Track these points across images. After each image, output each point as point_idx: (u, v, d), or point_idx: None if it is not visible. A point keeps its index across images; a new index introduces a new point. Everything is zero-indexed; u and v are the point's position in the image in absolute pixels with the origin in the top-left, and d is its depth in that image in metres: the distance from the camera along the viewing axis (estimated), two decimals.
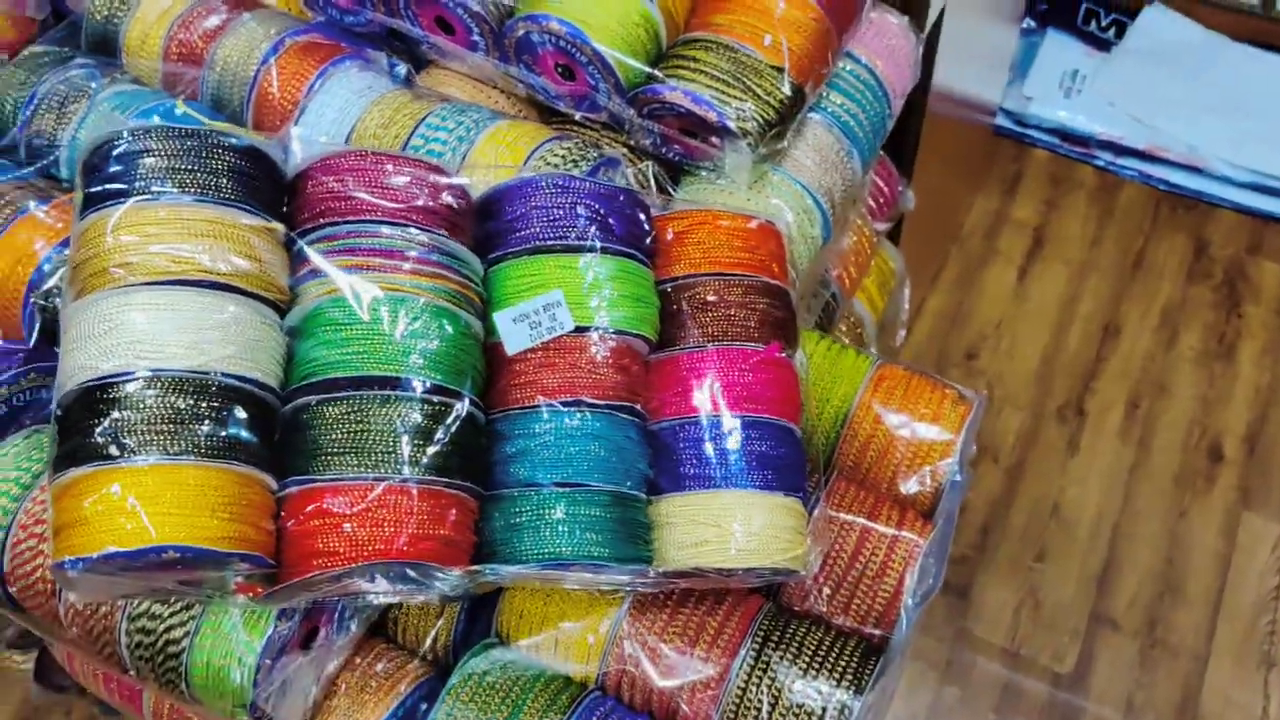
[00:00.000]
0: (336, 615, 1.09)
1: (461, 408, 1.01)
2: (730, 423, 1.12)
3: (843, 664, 1.18)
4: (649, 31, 1.35)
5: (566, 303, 1.09)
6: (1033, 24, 3.15)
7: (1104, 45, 3.18)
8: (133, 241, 0.96)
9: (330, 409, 0.98)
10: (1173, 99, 3.04)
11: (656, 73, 1.33)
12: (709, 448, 1.11)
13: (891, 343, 2.09)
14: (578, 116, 1.42)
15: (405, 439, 0.97)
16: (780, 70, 1.33)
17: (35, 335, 1.21)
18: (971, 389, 1.40)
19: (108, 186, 0.99)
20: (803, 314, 1.57)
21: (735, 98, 1.30)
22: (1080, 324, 2.80)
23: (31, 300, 1.21)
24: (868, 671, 1.18)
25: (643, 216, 1.17)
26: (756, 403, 1.13)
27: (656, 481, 1.12)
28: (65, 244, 1.24)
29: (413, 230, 1.04)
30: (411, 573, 0.98)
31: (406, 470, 0.97)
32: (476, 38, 1.40)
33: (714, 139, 1.34)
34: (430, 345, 1.00)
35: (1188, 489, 2.53)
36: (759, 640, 1.19)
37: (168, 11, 1.43)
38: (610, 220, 1.11)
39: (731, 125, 1.29)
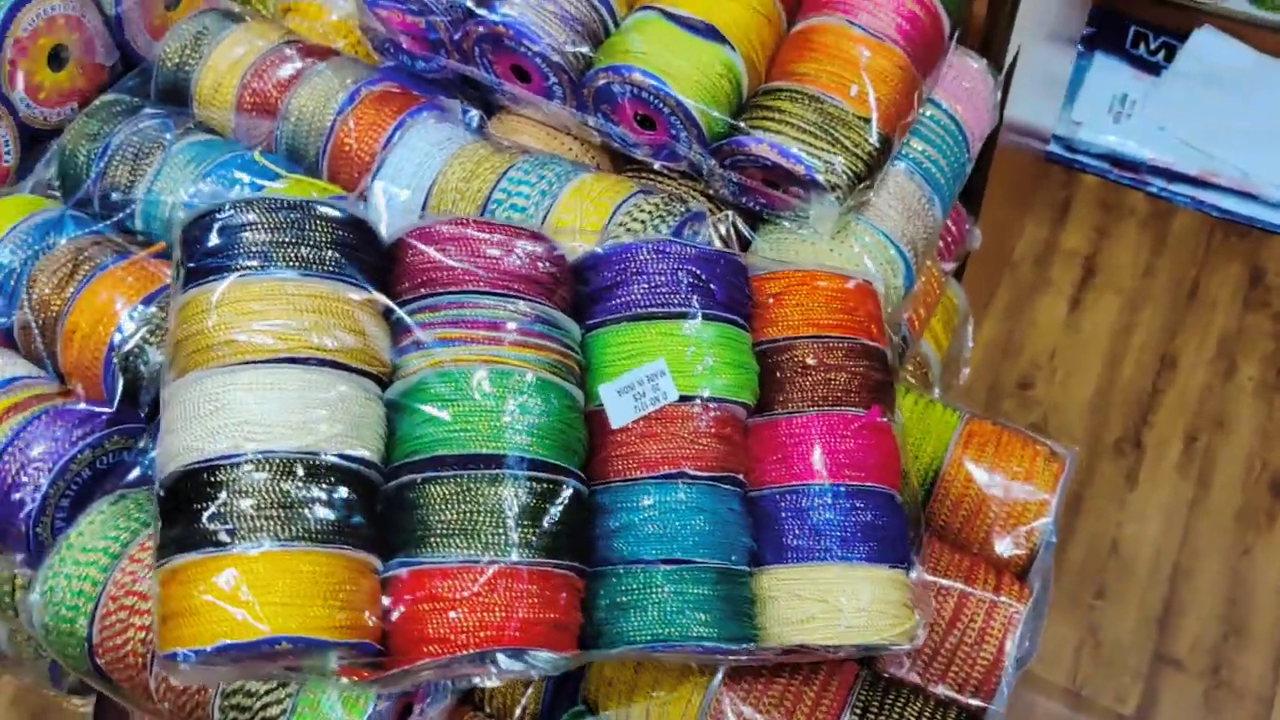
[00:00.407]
0: (431, 689, 1.06)
1: (570, 486, 0.99)
2: (833, 491, 1.09)
3: None
4: (731, 81, 1.33)
5: (669, 371, 1.07)
6: (1080, 48, 3.12)
7: (1153, 69, 3.15)
8: (237, 318, 0.94)
9: (437, 488, 0.95)
10: (1225, 123, 3.00)
11: (740, 124, 1.30)
12: (812, 518, 1.08)
13: (955, 380, 2.05)
14: (656, 165, 1.39)
15: (514, 519, 0.94)
16: (867, 121, 1.30)
17: (119, 397, 1.18)
18: (1058, 444, 1.36)
19: (209, 260, 0.97)
20: None
21: (823, 150, 1.27)
22: (1134, 355, 2.76)
23: (113, 361, 1.19)
24: None
25: (743, 280, 1.14)
26: (859, 470, 1.10)
27: (758, 552, 1.09)
28: (147, 301, 1.22)
29: (515, 300, 1.01)
30: (520, 658, 0.95)
31: (516, 553, 0.94)
32: (554, 86, 1.37)
33: (797, 189, 1.31)
34: (537, 421, 0.98)
35: (1250, 526, 2.49)
36: (858, 711, 1.16)
37: (240, 60, 1.41)
38: (712, 286, 1.09)
39: (820, 179, 1.26)
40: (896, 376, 1.20)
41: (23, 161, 1.46)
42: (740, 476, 1.09)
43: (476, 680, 1.00)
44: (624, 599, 1.01)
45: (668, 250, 1.09)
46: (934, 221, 1.46)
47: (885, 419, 1.14)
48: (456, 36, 1.38)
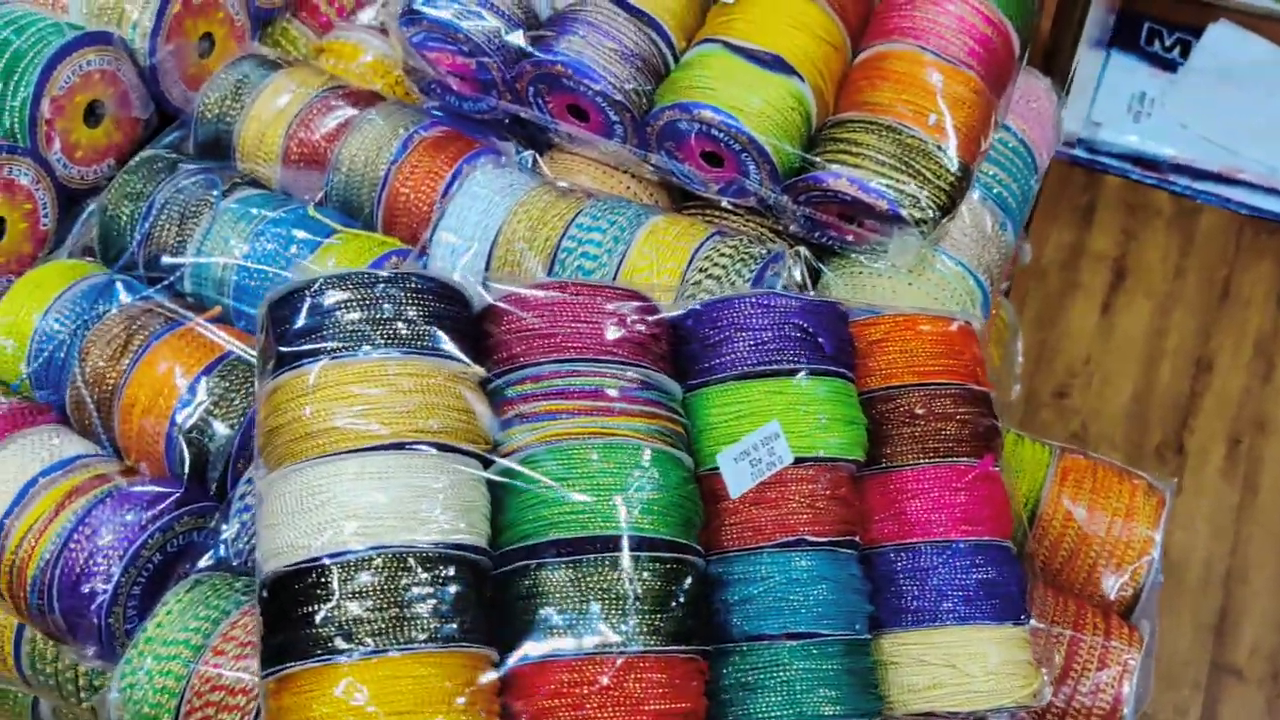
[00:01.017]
0: None
1: (694, 564, 0.94)
2: (952, 549, 1.04)
3: None
4: (802, 114, 1.28)
5: (783, 433, 1.01)
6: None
7: (1170, 65, 3.11)
8: (335, 404, 0.88)
9: (554, 574, 0.89)
10: (1246, 119, 2.96)
11: (814, 158, 1.25)
12: (931, 578, 1.04)
13: (1007, 397, 2.01)
14: (724, 203, 1.34)
15: (637, 605, 0.89)
16: (945, 149, 1.25)
17: (186, 474, 1.13)
18: (1154, 478, 1.32)
19: (300, 343, 0.91)
20: None
21: (905, 183, 1.22)
22: (1170, 359, 2.72)
23: (177, 436, 1.13)
24: None
25: (846, 330, 1.09)
26: (975, 524, 1.05)
27: (873, 615, 1.04)
28: (208, 371, 1.16)
29: (619, 365, 0.96)
30: None
31: (642, 641, 0.88)
32: (615, 124, 1.32)
33: (875, 223, 1.26)
34: (656, 496, 0.92)
35: None
36: None
37: (284, 110, 1.36)
38: (819, 338, 1.04)
39: (904, 213, 1.21)
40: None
41: (59, 223, 1.39)
42: (857, 539, 1.04)
43: None
44: (749, 679, 0.96)
45: (771, 304, 1.04)
46: (1006, 247, 1.42)
47: (997, 468, 1.09)
48: (510, 76, 1.33)
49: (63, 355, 1.22)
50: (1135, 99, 3.06)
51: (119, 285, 1.25)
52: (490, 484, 0.94)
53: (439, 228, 1.25)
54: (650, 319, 1.00)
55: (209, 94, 1.40)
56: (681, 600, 0.91)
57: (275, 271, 1.23)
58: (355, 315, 0.91)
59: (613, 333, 0.97)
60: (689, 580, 0.92)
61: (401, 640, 0.83)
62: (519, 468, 0.93)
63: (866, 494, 1.08)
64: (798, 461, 1.01)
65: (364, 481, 0.86)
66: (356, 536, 0.85)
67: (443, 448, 0.89)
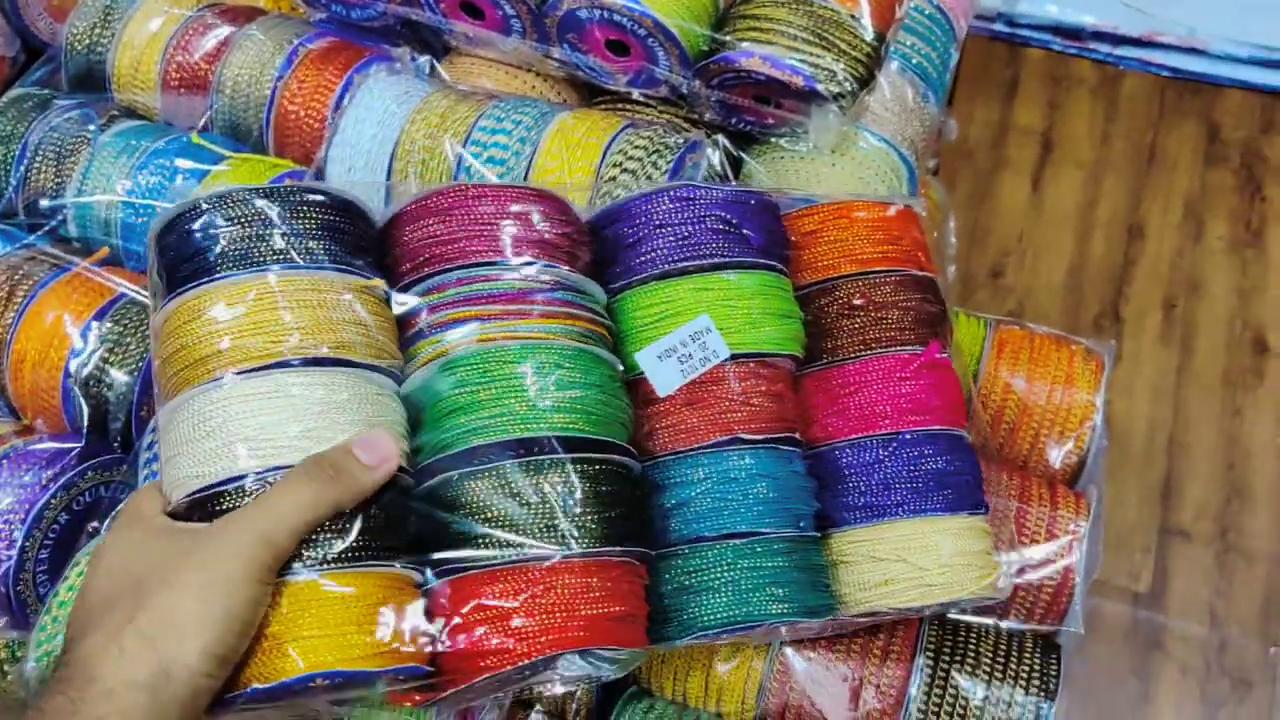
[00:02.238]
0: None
1: (625, 465, 0.89)
2: (898, 440, 1.00)
3: (1026, 667, 1.09)
4: None
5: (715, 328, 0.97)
6: None
7: None
8: (225, 326, 0.82)
9: (474, 483, 0.85)
10: None
11: (724, 38, 1.19)
12: (879, 472, 1.00)
13: (944, 279, 1.98)
14: (636, 95, 1.28)
15: (565, 508, 0.84)
16: (859, 19, 1.19)
17: (86, 428, 1.06)
18: (1091, 341, 1.29)
19: (187, 267, 0.85)
20: None
21: (820, 57, 1.17)
22: (1103, 228, 2.71)
23: (72, 387, 1.07)
24: (1053, 671, 1.09)
25: (777, 221, 1.04)
26: (924, 414, 1.02)
27: (824, 514, 1.01)
28: (99, 316, 1.09)
29: (530, 267, 0.90)
30: (587, 659, 0.86)
31: (572, 544, 0.84)
32: (512, 19, 1.25)
33: (793, 102, 1.21)
34: (576, 396, 0.87)
35: (1238, 386, 2.46)
36: (931, 655, 1.09)
37: (158, 34, 1.27)
38: (745, 230, 0.99)
39: (821, 89, 1.16)
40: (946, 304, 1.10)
41: None
42: (797, 435, 1.00)
43: (542, 689, 0.91)
44: (690, 582, 0.93)
45: (692, 197, 0.98)
46: (930, 119, 1.37)
47: (945, 354, 1.05)
48: None
49: None
50: None
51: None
52: (407, 399, 0.89)
53: (333, 143, 1.17)
54: (561, 218, 0.95)
55: (76, 23, 1.31)
56: (613, 502, 0.86)
57: (163, 206, 1.16)
58: (240, 234, 0.85)
59: (523, 234, 0.91)
60: (620, 481, 0.88)
61: (309, 563, 0.78)
62: (431, 378, 0.88)
63: (810, 392, 1.04)
64: (730, 358, 0.96)
65: (254, 403, 0.81)
66: (252, 460, 0.80)
67: (341, 363, 0.84)
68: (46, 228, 1.19)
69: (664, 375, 0.94)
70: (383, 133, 1.18)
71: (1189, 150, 2.76)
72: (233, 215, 0.86)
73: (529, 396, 0.86)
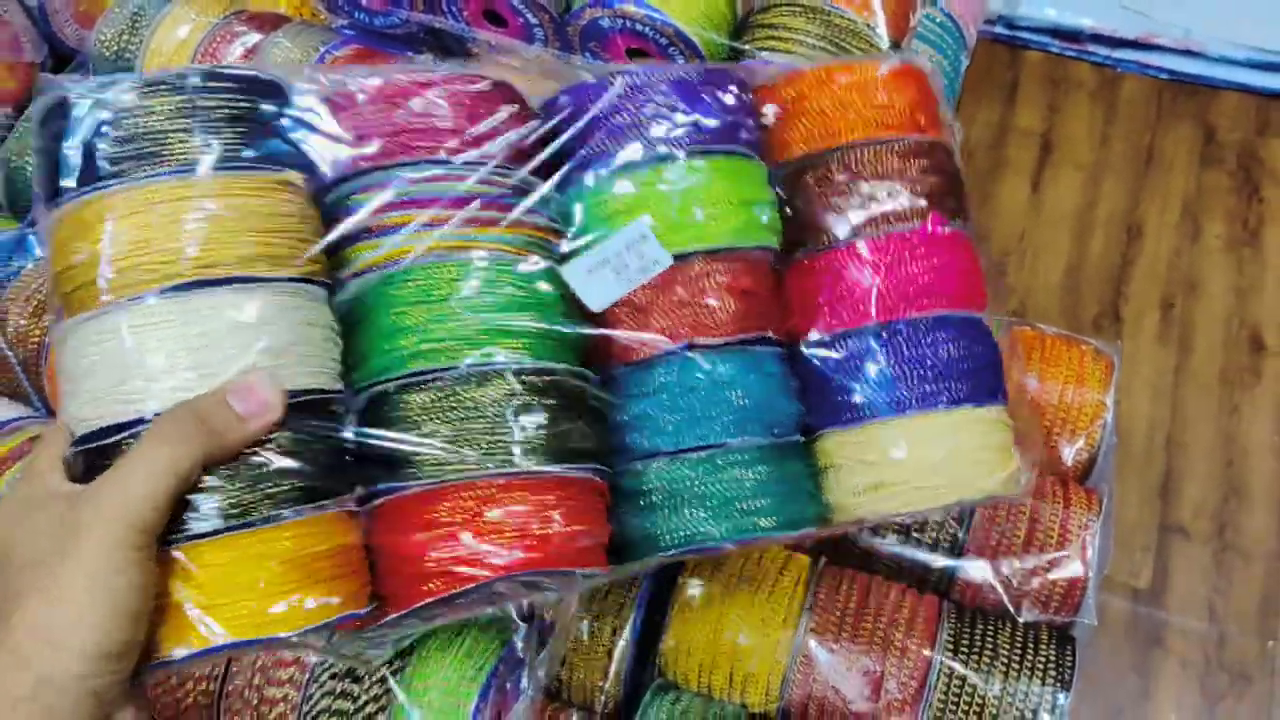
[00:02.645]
0: (514, 693, 1.00)
1: (575, 374, 0.86)
2: (896, 330, 0.92)
3: (1042, 659, 1.11)
4: (728, 0, 1.24)
5: (656, 233, 0.90)
6: None
7: None
8: (112, 243, 0.74)
9: (416, 396, 0.80)
10: None
11: (743, 46, 1.22)
12: (873, 366, 0.92)
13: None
14: None
15: (515, 421, 0.80)
16: (875, 28, 1.22)
17: None
18: (1101, 342, 1.32)
19: (68, 170, 0.77)
20: None
21: None
22: (1101, 228, 2.75)
23: None
24: (1068, 663, 1.12)
25: (738, 96, 0.95)
26: (922, 298, 0.93)
27: (814, 416, 0.95)
28: None
29: (485, 168, 0.84)
30: (544, 580, 0.83)
31: (522, 460, 0.80)
32: (535, 28, 1.28)
33: None
34: (526, 309, 0.83)
35: (1235, 385, 2.50)
36: (950, 647, 1.12)
37: (186, 42, 1.29)
38: (695, 114, 0.91)
39: None
40: (960, 172, 1.01)
41: None
42: (771, 334, 0.95)
43: (492, 610, 0.88)
44: (650, 500, 0.88)
45: (632, 82, 0.90)
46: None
47: (947, 228, 0.95)
48: None
49: None
50: None
51: (31, 238, 1.19)
52: (343, 306, 0.83)
53: None
54: (518, 111, 0.89)
55: (104, 30, 1.33)
56: (563, 417, 0.83)
57: None
58: (131, 132, 0.76)
59: (475, 128, 0.85)
60: (570, 396, 0.84)
61: (228, 518, 0.73)
62: (366, 292, 0.83)
63: (797, 283, 0.97)
64: (683, 258, 0.90)
65: (146, 334, 0.74)
66: (149, 400, 0.73)
67: (249, 280, 0.75)
68: None
69: (597, 289, 0.88)
70: None
71: (1186, 151, 2.80)
72: (121, 107, 0.76)
73: (475, 312, 0.81)
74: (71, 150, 0.76)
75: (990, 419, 0.94)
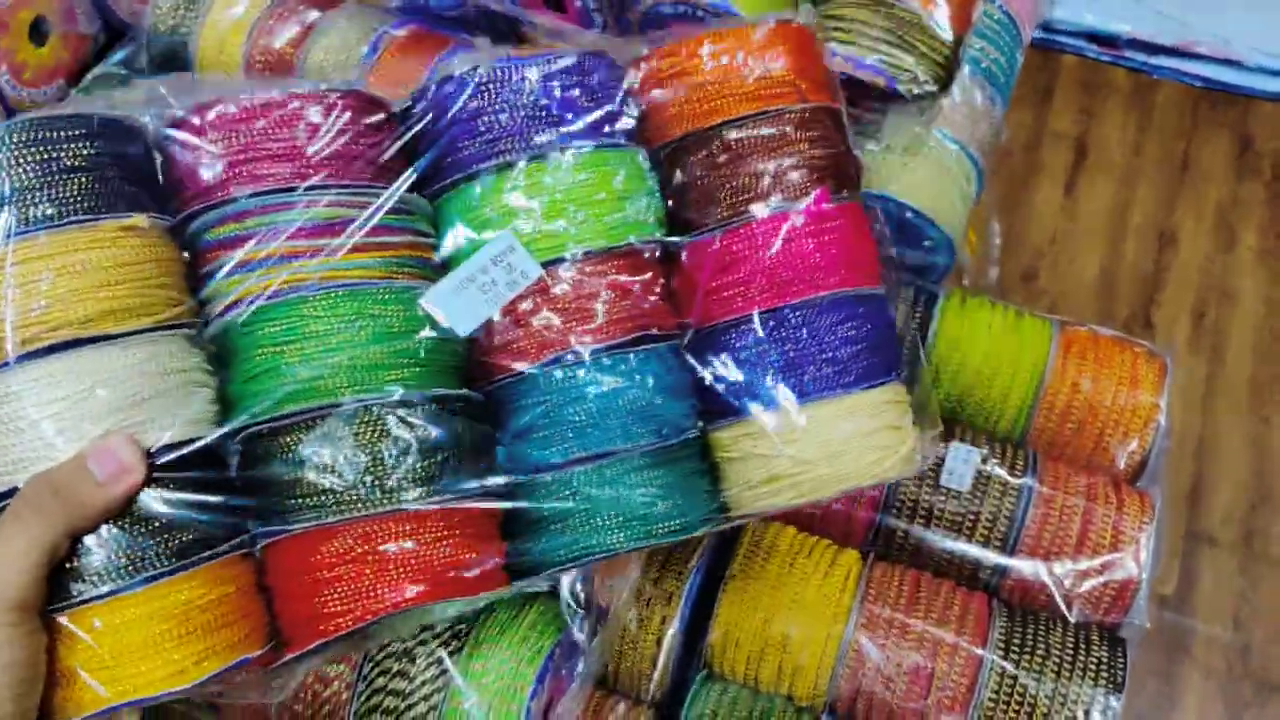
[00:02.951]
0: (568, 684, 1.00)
1: (454, 398, 0.84)
2: (784, 316, 0.89)
3: (1094, 660, 1.11)
4: None
5: (522, 243, 0.86)
6: None
7: None
8: None
9: (289, 438, 0.79)
10: None
11: None
12: (762, 354, 0.89)
13: (985, 281, 2.01)
14: None
15: (394, 455, 0.79)
16: (937, 20, 1.22)
17: None
18: (1153, 345, 1.32)
19: None
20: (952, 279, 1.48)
21: (899, 58, 1.19)
22: (1135, 234, 2.73)
23: None
24: (1120, 664, 1.11)
25: (605, 80, 0.92)
26: (805, 281, 0.89)
27: (706, 408, 0.93)
28: None
29: (342, 191, 0.81)
30: (437, 607, 0.82)
31: (405, 493, 0.79)
32: (594, 12, 1.27)
33: (870, 102, 1.23)
34: (393, 337, 0.81)
35: (1266, 395, 2.49)
36: (1001, 647, 1.11)
37: (242, 19, 1.29)
38: (557, 110, 0.87)
39: (902, 89, 1.18)
40: (847, 137, 0.95)
41: None
42: (655, 330, 0.91)
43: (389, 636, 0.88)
44: (547, 512, 0.87)
45: (482, 80, 0.86)
46: (997, 122, 1.40)
47: (834, 203, 0.90)
48: None
49: None
50: None
51: None
52: (215, 342, 0.81)
53: None
54: (375, 120, 0.85)
55: (160, 4, 1.33)
56: (448, 443, 0.81)
57: None
58: None
59: (329, 148, 0.81)
60: (451, 422, 0.82)
61: (117, 581, 0.73)
62: (230, 328, 0.81)
63: (687, 269, 0.93)
64: (554, 264, 0.87)
65: (13, 403, 0.73)
66: (16, 474, 0.73)
67: (102, 339, 0.74)
68: None
69: (464, 312, 0.85)
70: None
71: (1221, 161, 2.78)
72: None
73: (342, 354, 0.79)
74: None
75: (885, 399, 0.92)
